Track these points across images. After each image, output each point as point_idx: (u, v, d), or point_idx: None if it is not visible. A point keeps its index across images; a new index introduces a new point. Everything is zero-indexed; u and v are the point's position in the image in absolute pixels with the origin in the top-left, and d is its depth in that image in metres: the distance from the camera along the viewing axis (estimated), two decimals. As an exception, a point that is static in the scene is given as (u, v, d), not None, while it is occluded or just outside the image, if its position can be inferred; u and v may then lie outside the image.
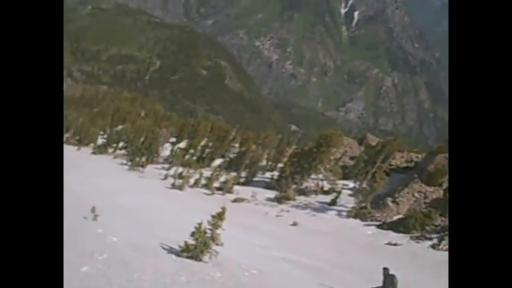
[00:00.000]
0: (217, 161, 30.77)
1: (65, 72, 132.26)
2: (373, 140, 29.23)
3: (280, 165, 26.94)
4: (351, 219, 15.52)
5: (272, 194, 19.81)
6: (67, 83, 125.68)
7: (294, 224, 15.03)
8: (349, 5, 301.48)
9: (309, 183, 20.86)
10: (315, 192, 19.81)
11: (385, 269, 7.79)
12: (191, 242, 7.40)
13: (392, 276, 7.72)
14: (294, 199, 18.79)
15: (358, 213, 15.79)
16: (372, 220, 15.29)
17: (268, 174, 25.80)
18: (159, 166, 30.20)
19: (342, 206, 17.27)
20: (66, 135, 48.51)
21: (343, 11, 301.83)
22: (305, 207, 17.70)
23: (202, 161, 30.98)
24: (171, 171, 26.19)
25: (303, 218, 15.98)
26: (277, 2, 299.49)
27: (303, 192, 19.89)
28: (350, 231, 14.23)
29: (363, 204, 16.29)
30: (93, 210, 8.72)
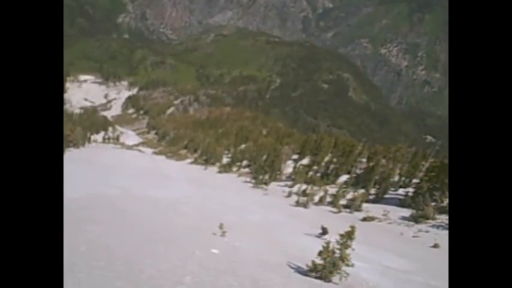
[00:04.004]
0: (343, 178, 29.60)
1: (192, 96, 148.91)
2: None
3: (415, 180, 24.47)
4: (505, 242, 12.77)
5: (407, 212, 17.96)
6: (194, 107, 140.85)
7: (435, 246, 13.15)
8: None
9: (452, 201, 18.21)
10: (460, 211, 17.15)
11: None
12: (319, 261, 7.05)
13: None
14: (433, 218, 16.62)
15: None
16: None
17: (401, 191, 23.65)
18: (282, 183, 30.63)
19: (494, 227, 14.44)
20: (194, 156, 53.01)
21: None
22: (447, 227, 15.43)
23: (327, 177, 30.23)
24: (295, 189, 26.32)
25: (446, 239, 13.88)
26: (403, 5, 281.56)
27: (444, 210, 17.44)
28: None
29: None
30: (221, 226, 9.07)
